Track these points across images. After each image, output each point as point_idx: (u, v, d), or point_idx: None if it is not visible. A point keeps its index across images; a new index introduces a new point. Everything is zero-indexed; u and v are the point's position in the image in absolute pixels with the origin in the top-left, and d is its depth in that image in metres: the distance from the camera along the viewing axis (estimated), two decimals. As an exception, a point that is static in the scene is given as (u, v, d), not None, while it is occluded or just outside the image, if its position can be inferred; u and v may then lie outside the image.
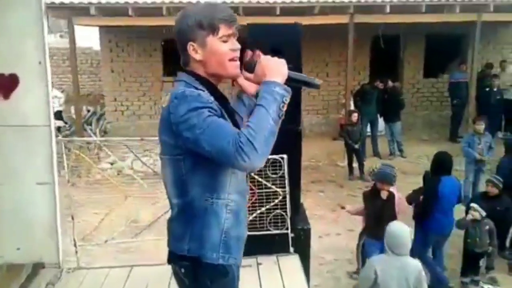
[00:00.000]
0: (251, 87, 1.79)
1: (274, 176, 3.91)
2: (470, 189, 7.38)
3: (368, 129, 9.93)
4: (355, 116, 8.71)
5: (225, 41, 1.64)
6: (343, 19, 9.40)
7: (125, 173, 8.14)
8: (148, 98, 11.42)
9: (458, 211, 5.75)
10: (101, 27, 10.66)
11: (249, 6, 8.99)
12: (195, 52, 1.65)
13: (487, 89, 10.00)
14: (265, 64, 1.63)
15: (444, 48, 11.55)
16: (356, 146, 8.65)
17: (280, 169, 3.90)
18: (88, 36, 12.80)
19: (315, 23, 9.14)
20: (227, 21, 1.64)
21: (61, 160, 3.73)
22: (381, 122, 10.04)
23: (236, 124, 1.69)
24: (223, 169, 1.65)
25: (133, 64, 11.17)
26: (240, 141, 1.45)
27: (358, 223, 6.61)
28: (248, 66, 1.71)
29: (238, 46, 1.68)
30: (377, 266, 3.72)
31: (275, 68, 1.62)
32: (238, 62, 1.69)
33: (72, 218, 3.70)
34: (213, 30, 1.62)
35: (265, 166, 3.89)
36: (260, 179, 3.90)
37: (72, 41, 9.27)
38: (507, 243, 5.93)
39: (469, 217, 5.38)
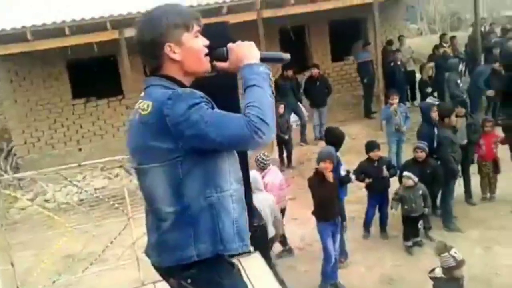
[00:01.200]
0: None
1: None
2: (395, 159, 7.85)
3: (295, 118, 10.18)
4: (281, 108, 8.89)
5: (197, 37, 1.69)
6: (251, 16, 9.53)
7: (49, 207, 7.68)
8: (59, 124, 10.72)
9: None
10: (-3, 56, 9.86)
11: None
12: (173, 52, 1.65)
13: (392, 64, 10.67)
14: (238, 50, 1.70)
15: (346, 31, 12.16)
16: (286, 137, 8.85)
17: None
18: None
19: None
20: (196, 18, 1.70)
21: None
22: (303, 110, 10.35)
23: None
24: (223, 161, 1.67)
25: (38, 91, 10.47)
26: (253, 121, 1.50)
27: (299, 212, 6.80)
28: (218, 56, 1.73)
29: (207, 41, 1.73)
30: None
31: (249, 52, 1.69)
32: (208, 58, 1.72)
33: (12, 265, 3.40)
34: (187, 27, 1.66)
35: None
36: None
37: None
38: (438, 203, 6.40)
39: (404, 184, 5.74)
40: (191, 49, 1.67)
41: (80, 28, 8.34)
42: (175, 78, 1.68)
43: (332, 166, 5.06)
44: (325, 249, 5.15)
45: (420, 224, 5.93)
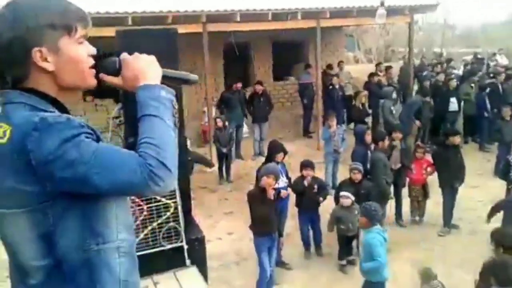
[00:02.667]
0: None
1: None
2: (330, 179, 8.06)
3: (246, 130, 10.31)
4: (220, 122, 8.88)
5: (81, 43, 1.30)
6: (196, 28, 9.48)
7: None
8: None
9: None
10: None
11: (97, 16, 8.52)
12: (43, 60, 1.24)
13: (330, 87, 11.04)
14: (135, 66, 1.34)
15: (288, 52, 12.46)
16: (225, 150, 8.83)
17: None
18: None
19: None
20: (84, 19, 1.30)
21: None
22: (244, 125, 10.40)
23: None
24: (106, 204, 1.29)
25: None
26: (150, 164, 1.17)
27: (236, 226, 6.76)
28: (108, 68, 1.36)
29: (94, 50, 1.35)
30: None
31: (149, 69, 1.35)
32: (94, 70, 1.35)
33: None
34: (69, 29, 1.26)
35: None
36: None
37: None
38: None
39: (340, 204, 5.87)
40: (70, 59, 1.28)
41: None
42: (45, 93, 1.27)
43: (275, 182, 5.10)
44: (261, 264, 5.14)
45: (354, 243, 6.08)
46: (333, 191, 6.68)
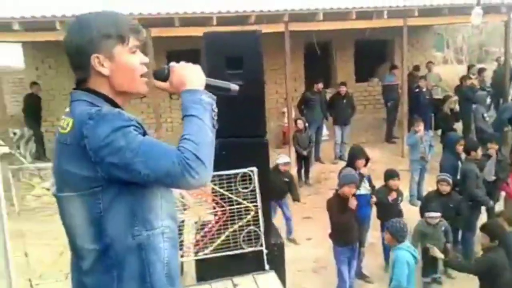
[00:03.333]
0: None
1: (245, 191, 3.75)
2: (416, 188, 7.64)
3: (326, 132, 10.14)
4: (300, 123, 8.77)
5: (133, 53, 1.49)
6: (278, 27, 9.45)
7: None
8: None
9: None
10: (24, 43, 9.90)
11: (185, 17, 8.77)
12: (100, 65, 1.44)
13: (417, 90, 10.49)
14: (181, 73, 1.51)
15: (372, 53, 12.03)
16: (305, 153, 8.70)
17: (250, 183, 3.74)
18: (7, 54, 11.91)
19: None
20: (136, 31, 1.50)
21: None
22: (324, 127, 10.21)
23: None
24: (152, 194, 1.45)
25: (62, 81, 10.47)
26: (186, 157, 1.31)
27: (314, 231, 6.62)
28: (159, 74, 1.55)
29: (147, 59, 1.53)
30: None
31: (193, 76, 1.50)
32: (146, 78, 1.53)
33: (26, 255, 3.29)
34: (122, 39, 1.46)
35: (234, 181, 3.73)
36: (230, 195, 3.72)
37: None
38: (459, 238, 6.18)
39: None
40: (123, 66, 1.47)
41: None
42: (105, 94, 1.47)
43: (355, 190, 4.91)
44: (340, 274, 4.97)
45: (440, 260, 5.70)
46: (418, 202, 6.32)
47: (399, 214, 5.84)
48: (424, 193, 7.00)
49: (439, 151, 7.76)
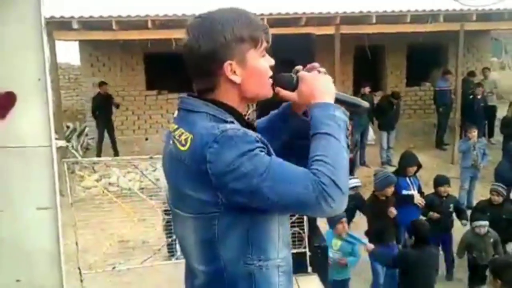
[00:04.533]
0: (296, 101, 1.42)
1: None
2: (465, 196, 7.38)
3: (371, 137, 10.02)
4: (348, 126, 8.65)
5: (263, 56, 1.33)
6: (329, 30, 9.37)
7: (112, 190, 7.85)
8: (130, 112, 11.12)
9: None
10: (81, 41, 10.35)
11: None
12: (233, 73, 1.27)
13: (471, 96, 10.11)
14: (313, 83, 1.33)
15: (425, 57, 11.69)
16: (350, 156, 8.57)
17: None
18: (65, 51, 12.42)
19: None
20: (267, 32, 1.32)
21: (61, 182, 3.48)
22: (370, 131, 10.04)
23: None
24: (271, 221, 1.31)
25: (115, 79, 10.86)
26: (322, 182, 1.15)
27: (357, 232, 6.50)
28: (285, 83, 1.38)
29: (273, 61, 1.37)
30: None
31: (326, 88, 1.33)
32: (271, 81, 1.37)
33: (77, 244, 3.43)
34: (256, 42, 1.29)
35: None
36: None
37: (54, 56, 8.93)
38: (511, 250, 5.91)
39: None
40: (255, 71, 1.30)
41: (162, 23, 8.55)
42: (228, 105, 1.31)
43: (391, 191, 4.91)
44: (375, 273, 4.97)
45: (488, 271, 5.47)
46: (468, 211, 6.09)
47: (449, 222, 5.66)
48: (475, 202, 6.74)
49: (495, 159, 7.46)
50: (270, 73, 1.35)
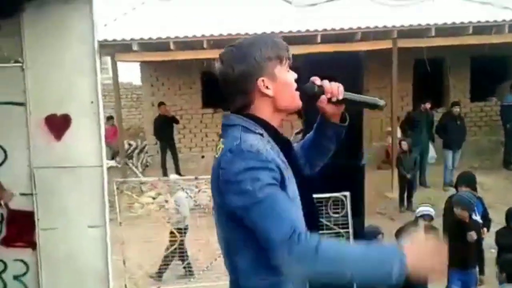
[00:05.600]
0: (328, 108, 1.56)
1: (336, 216, 3.64)
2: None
3: (433, 155, 9.62)
4: (404, 145, 8.36)
5: (289, 71, 1.50)
6: (385, 44, 9.14)
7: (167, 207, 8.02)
8: (188, 131, 11.39)
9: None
10: (142, 62, 10.78)
11: (288, 36, 8.87)
12: (266, 87, 1.43)
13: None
14: (418, 253, 1.28)
15: (491, 70, 11.08)
16: (409, 176, 8.25)
17: (342, 208, 3.62)
18: (128, 71, 13.02)
19: (356, 49, 8.98)
20: (288, 50, 1.50)
21: (113, 200, 3.60)
22: (431, 150, 9.62)
23: (298, 169, 1.51)
24: None
25: (173, 98, 11.19)
26: (302, 251, 1.23)
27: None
28: (308, 92, 1.53)
29: (296, 75, 1.53)
30: None
31: (424, 261, 1.28)
32: (298, 93, 1.52)
33: (124, 263, 3.51)
34: (281, 59, 1.46)
35: (326, 205, 3.64)
36: (321, 219, 3.63)
37: (115, 77, 9.36)
38: None
39: None
40: (284, 83, 1.46)
41: (216, 42, 8.72)
42: (261, 118, 1.45)
43: (468, 215, 4.55)
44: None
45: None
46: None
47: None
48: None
49: None
50: (295, 85, 1.49)
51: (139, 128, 13.84)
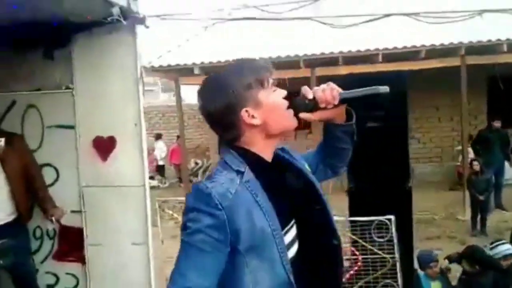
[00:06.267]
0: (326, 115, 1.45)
1: (380, 240, 3.48)
2: None
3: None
4: (476, 165, 7.85)
5: (275, 91, 1.38)
6: (453, 61, 8.73)
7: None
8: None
9: None
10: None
11: (349, 56, 8.76)
12: (251, 117, 1.34)
13: None
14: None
15: None
16: (481, 198, 7.73)
17: (387, 232, 3.46)
18: (195, 93, 13.46)
19: (421, 68, 8.63)
20: (269, 69, 1.38)
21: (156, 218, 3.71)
22: (508, 169, 8.96)
23: (312, 188, 1.45)
24: (241, 270, 1.28)
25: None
26: None
27: None
28: (302, 107, 1.39)
29: (285, 92, 1.40)
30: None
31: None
32: (291, 110, 1.39)
33: (166, 280, 3.57)
34: (262, 83, 1.35)
35: (369, 229, 3.50)
36: (364, 244, 3.49)
37: (179, 99, 9.74)
38: None
39: None
40: (272, 107, 1.36)
41: (276, 64, 8.80)
42: (250, 152, 1.37)
43: None
44: None
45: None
46: None
47: None
48: None
49: None
50: (286, 103, 1.38)
51: (205, 147, 14.25)
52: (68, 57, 3.41)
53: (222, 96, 1.34)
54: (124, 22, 3.21)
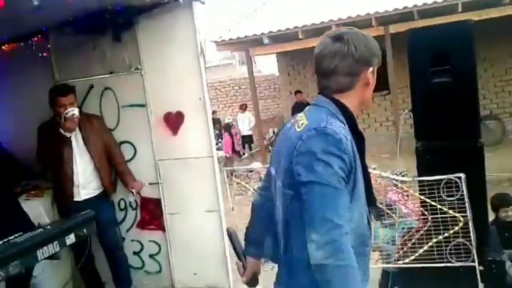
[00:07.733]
0: None
1: (450, 199, 3.36)
2: None
3: None
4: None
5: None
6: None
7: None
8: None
9: None
10: (278, 53, 11.13)
11: (423, 9, 8.27)
12: (371, 77, 1.52)
13: None
14: None
15: None
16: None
17: (457, 191, 3.33)
18: (269, 64, 13.54)
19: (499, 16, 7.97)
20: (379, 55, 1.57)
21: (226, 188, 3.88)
22: None
23: (365, 164, 1.52)
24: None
25: (309, 86, 11.34)
26: (341, 231, 1.32)
27: None
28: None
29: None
30: None
31: None
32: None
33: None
34: (377, 62, 1.54)
35: (438, 188, 3.40)
36: (433, 203, 3.40)
37: (250, 70, 9.86)
38: None
39: None
40: (372, 83, 1.54)
41: (346, 26, 8.57)
42: (347, 108, 1.50)
43: None
44: None
45: None
46: None
47: None
48: None
49: None
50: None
51: (283, 117, 14.32)
52: (134, 39, 3.62)
53: (365, 47, 1.48)
54: (181, 0, 3.34)
